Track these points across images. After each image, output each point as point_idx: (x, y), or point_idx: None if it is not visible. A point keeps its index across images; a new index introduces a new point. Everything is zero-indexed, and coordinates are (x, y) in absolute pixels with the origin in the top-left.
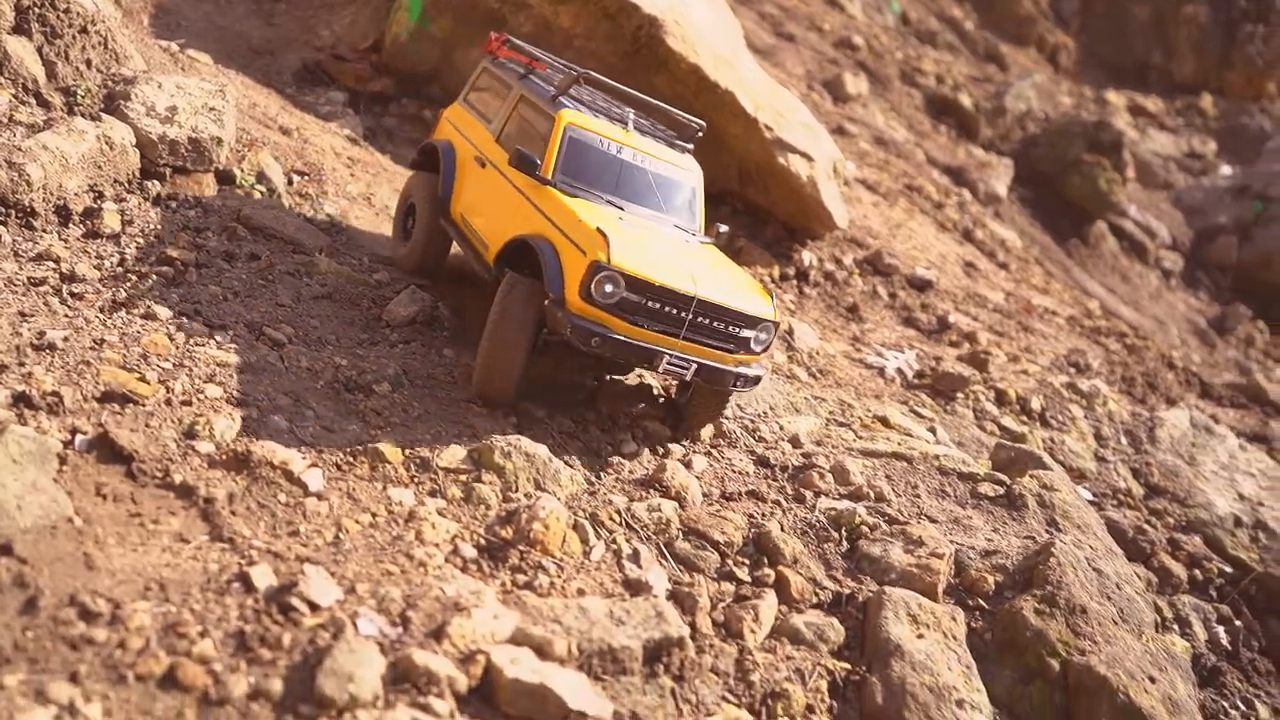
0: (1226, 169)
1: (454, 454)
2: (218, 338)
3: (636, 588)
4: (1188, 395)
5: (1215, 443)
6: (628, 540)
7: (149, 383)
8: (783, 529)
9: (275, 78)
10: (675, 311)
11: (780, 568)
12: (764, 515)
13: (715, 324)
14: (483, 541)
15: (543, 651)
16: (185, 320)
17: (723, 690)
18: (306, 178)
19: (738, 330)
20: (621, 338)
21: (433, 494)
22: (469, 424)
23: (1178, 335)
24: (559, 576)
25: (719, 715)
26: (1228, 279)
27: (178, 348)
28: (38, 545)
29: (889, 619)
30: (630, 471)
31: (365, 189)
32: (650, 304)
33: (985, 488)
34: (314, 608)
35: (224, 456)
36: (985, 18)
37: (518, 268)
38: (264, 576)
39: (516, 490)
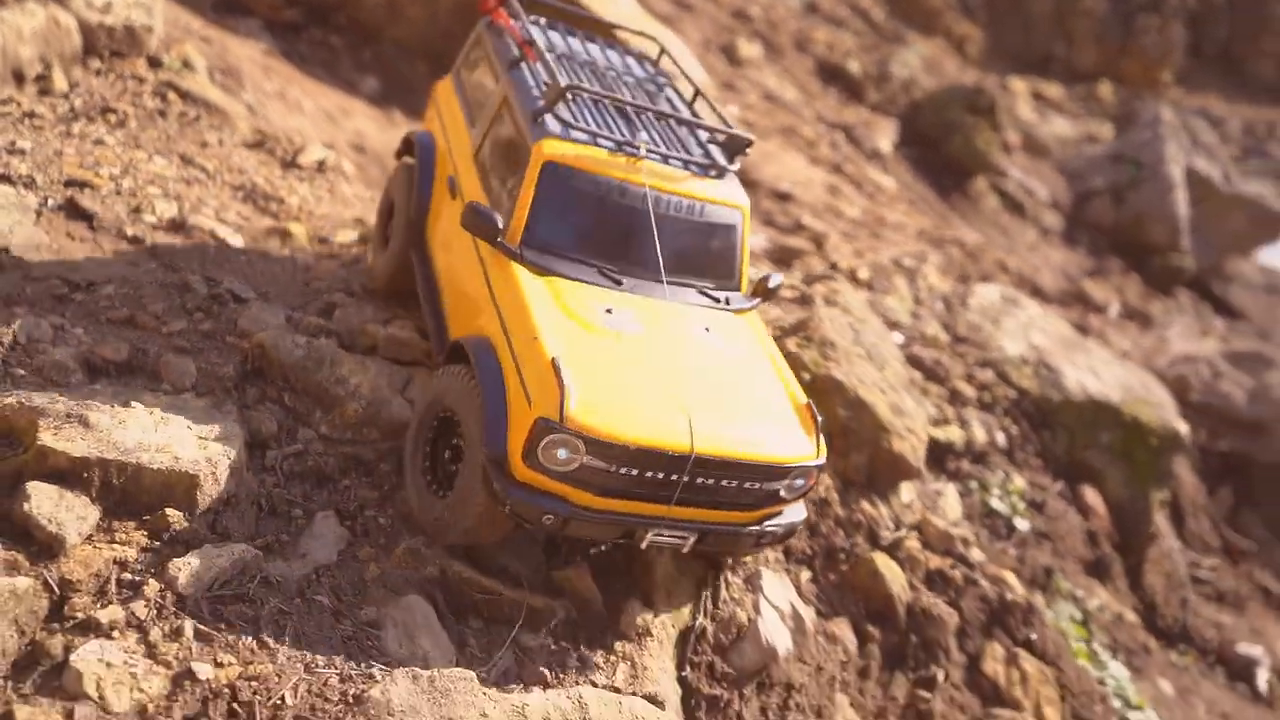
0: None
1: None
2: (158, 160)
3: None
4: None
5: (1019, 310)
6: None
7: (102, 178)
8: None
9: (194, 6)
10: (662, 476)
11: None
12: None
13: (724, 483)
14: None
15: None
16: (128, 147)
17: None
18: (226, 75)
19: (757, 486)
20: (586, 512)
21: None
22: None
23: (1049, 279)
24: None
25: None
26: (1104, 237)
27: (125, 162)
28: (26, 252)
29: None
30: None
31: (280, 88)
32: (624, 470)
33: (787, 293)
34: (238, 300)
35: (165, 224)
36: (894, 7)
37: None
38: (199, 285)
39: None
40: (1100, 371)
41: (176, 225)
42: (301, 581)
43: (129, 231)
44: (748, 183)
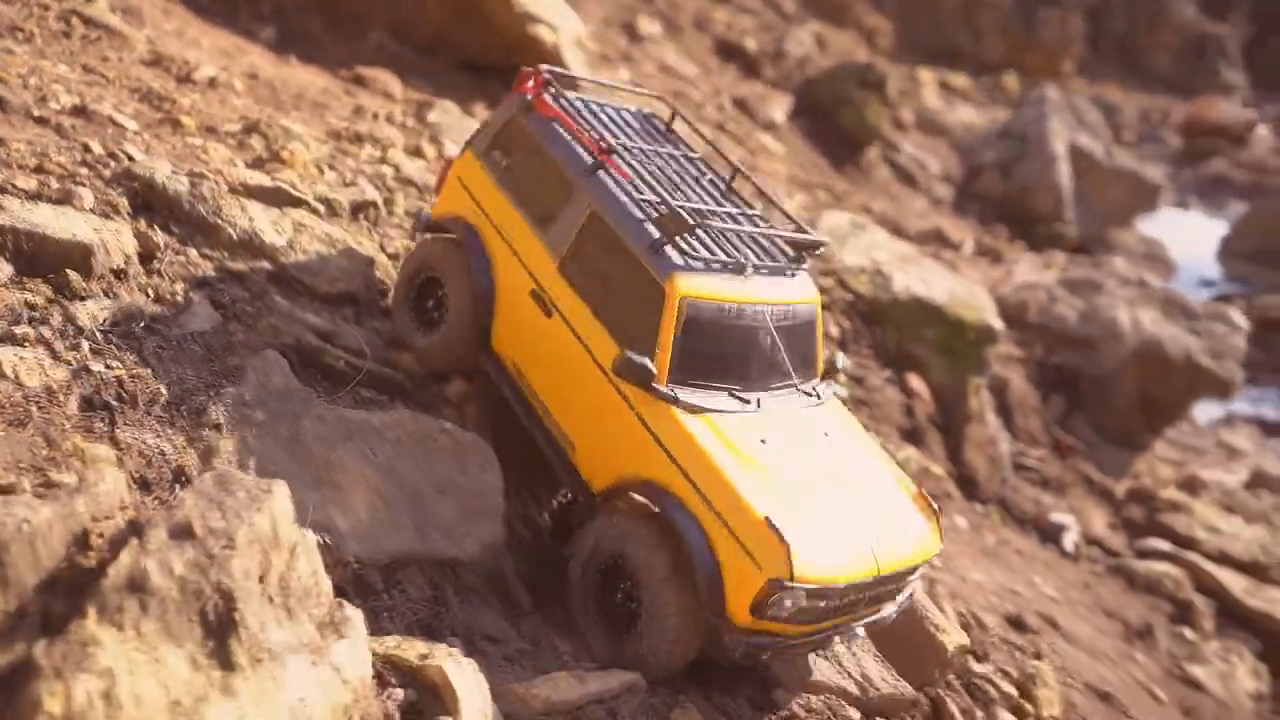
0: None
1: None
2: (62, 67)
3: None
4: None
5: (865, 234)
6: None
7: (10, 76)
8: None
9: None
10: (858, 599)
11: None
12: None
13: (891, 588)
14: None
15: None
16: (35, 56)
17: None
18: (127, 13)
19: (907, 583)
20: (796, 641)
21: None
22: None
23: (915, 223)
24: None
25: None
26: (993, 208)
27: (32, 67)
28: None
29: None
30: None
31: (178, 28)
32: (831, 603)
33: None
34: (132, 159)
35: (69, 110)
36: (806, 0)
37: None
38: (98, 146)
39: None
40: (931, 281)
41: (79, 110)
42: (179, 336)
43: (35, 113)
44: None
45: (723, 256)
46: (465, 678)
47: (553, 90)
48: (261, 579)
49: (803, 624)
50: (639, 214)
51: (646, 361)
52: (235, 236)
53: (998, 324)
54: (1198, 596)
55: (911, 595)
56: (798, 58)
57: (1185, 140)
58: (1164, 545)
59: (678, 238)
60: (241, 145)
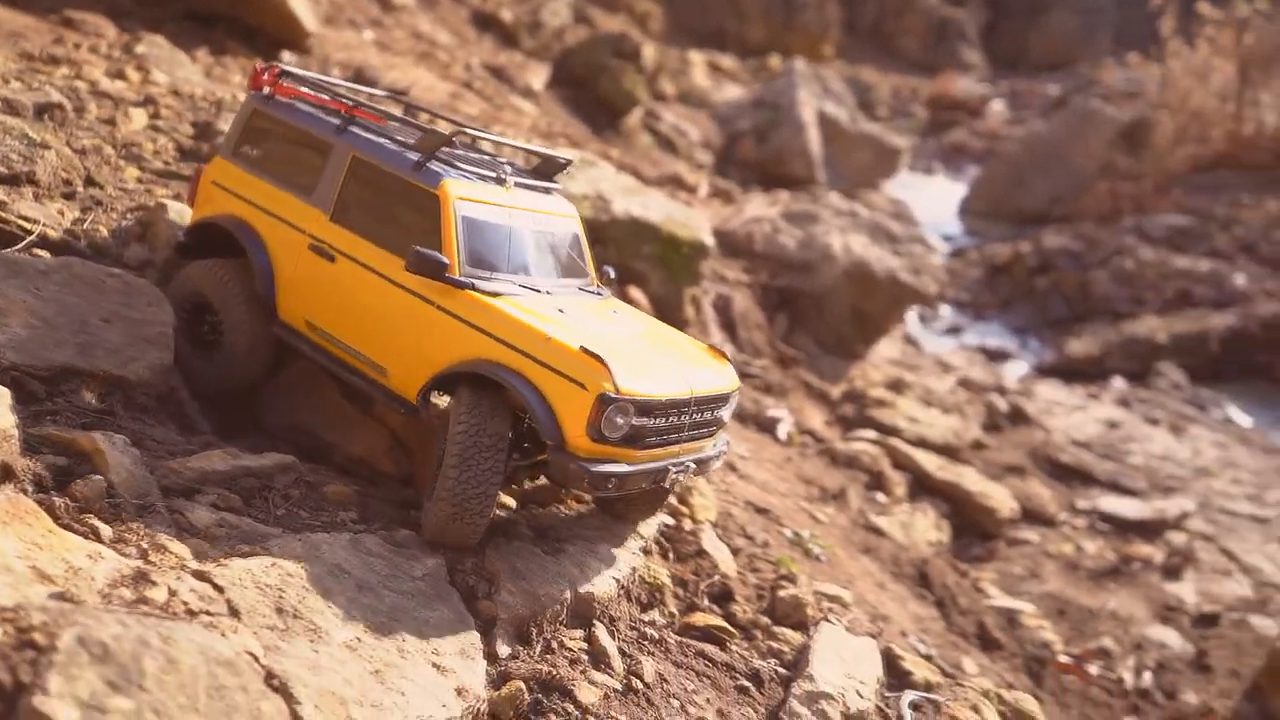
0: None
1: None
2: None
3: None
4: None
5: (593, 170)
6: None
7: None
8: None
9: None
10: (678, 419)
11: None
12: None
13: (705, 414)
14: None
15: None
16: None
17: None
18: None
19: (719, 412)
20: (634, 468)
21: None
22: None
23: (651, 171)
24: None
25: None
26: (752, 171)
27: None
28: None
29: None
30: None
31: None
32: (657, 422)
33: None
34: None
35: None
36: None
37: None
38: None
39: None
40: (649, 205)
41: None
42: None
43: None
44: (362, 80)
45: (481, 170)
46: (116, 447)
47: (289, 76)
48: None
49: (637, 448)
50: (396, 146)
51: (436, 253)
52: None
53: (710, 240)
54: (894, 471)
55: (728, 444)
56: (555, 28)
57: (930, 114)
58: (869, 434)
59: (438, 152)
60: None
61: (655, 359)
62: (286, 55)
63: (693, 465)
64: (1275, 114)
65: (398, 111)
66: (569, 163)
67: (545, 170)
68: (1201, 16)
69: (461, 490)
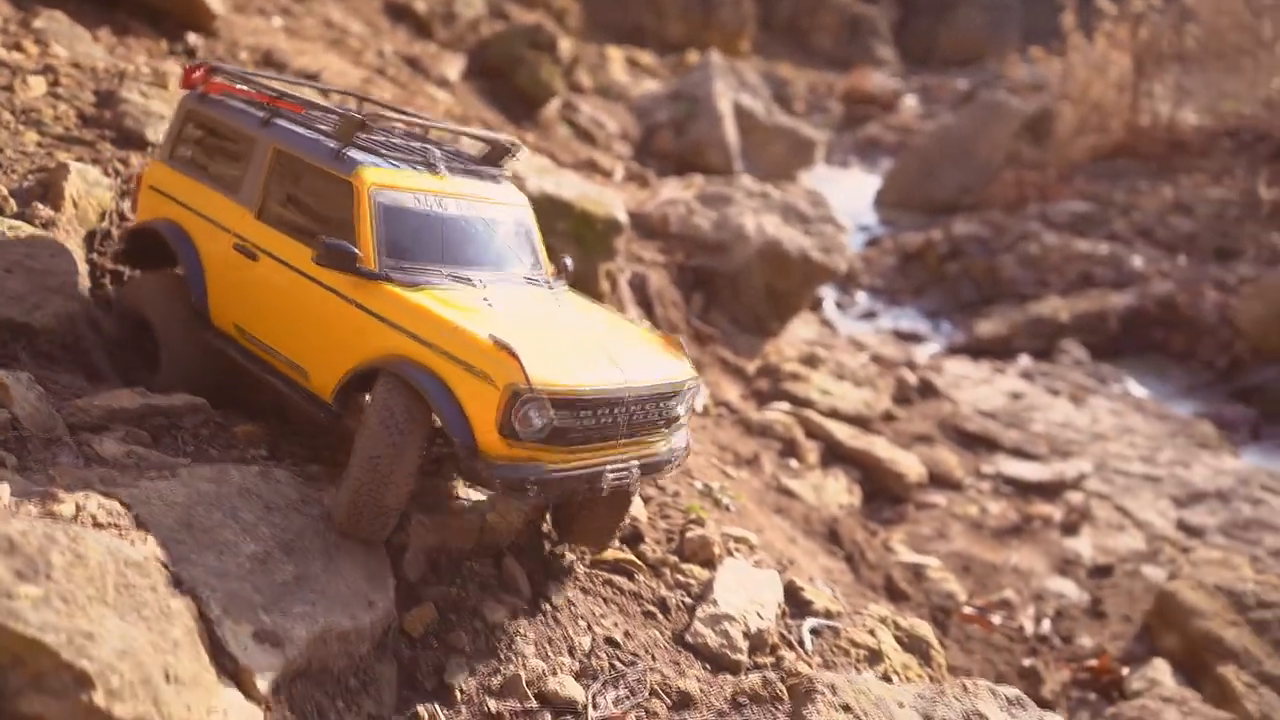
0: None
1: None
2: None
3: None
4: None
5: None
6: None
7: None
8: None
9: None
10: (611, 416)
11: None
12: None
13: (648, 409)
14: None
15: None
16: None
17: None
18: None
19: (668, 406)
20: (560, 471)
21: None
22: None
23: (568, 157)
24: None
25: None
26: (670, 163)
27: None
28: None
29: None
30: None
31: None
32: (584, 419)
33: None
34: None
35: None
36: None
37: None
38: None
39: None
40: (563, 184)
41: None
42: None
43: None
44: (271, 64)
45: (408, 157)
46: (20, 383)
47: (221, 73)
48: None
49: (561, 447)
50: (315, 135)
51: (345, 244)
52: None
53: (623, 217)
54: (807, 440)
55: (688, 446)
56: (469, 20)
57: (845, 108)
58: (783, 405)
59: (356, 138)
60: None
61: (587, 350)
62: (192, 38)
63: (637, 467)
64: (1168, 105)
65: (353, 105)
66: (518, 147)
67: (493, 157)
68: (1101, 11)
69: (367, 491)
